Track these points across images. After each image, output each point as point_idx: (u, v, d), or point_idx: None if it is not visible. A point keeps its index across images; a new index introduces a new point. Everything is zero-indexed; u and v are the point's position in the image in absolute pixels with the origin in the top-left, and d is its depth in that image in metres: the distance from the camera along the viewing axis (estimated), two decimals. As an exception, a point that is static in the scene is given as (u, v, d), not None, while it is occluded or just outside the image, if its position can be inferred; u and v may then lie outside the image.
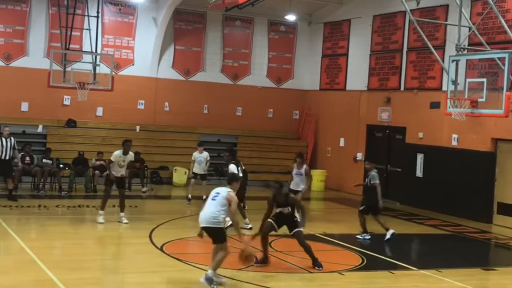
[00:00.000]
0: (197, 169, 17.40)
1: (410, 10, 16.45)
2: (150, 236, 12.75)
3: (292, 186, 14.73)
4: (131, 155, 14.11)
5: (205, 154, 17.57)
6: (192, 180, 17.50)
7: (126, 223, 13.85)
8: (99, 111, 21.42)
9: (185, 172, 20.99)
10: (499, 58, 14.63)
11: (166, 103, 22.32)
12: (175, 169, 21.08)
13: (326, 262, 10.93)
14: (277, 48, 23.94)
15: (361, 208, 13.75)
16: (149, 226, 13.62)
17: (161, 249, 11.72)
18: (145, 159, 19.80)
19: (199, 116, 22.72)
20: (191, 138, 21.89)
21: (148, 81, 22.00)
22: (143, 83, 21.90)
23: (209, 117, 22.86)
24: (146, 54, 21.87)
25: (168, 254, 11.33)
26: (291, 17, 23.01)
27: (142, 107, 21.98)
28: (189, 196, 17.16)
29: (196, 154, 17.52)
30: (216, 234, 9.46)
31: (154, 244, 12.08)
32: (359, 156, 21.20)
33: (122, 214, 14.02)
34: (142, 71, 21.85)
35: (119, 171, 13.87)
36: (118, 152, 13.82)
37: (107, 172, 14.14)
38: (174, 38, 22.44)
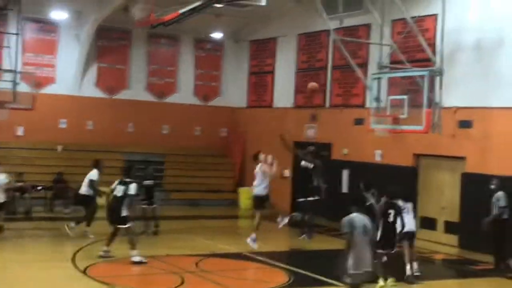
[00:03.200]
0: None
1: (334, 29, 16.73)
2: (73, 259, 12.35)
3: None
4: None
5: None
6: None
7: None
8: (20, 131, 20.74)
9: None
10: (419, 76, 15.02)
11: (90, 122, 21.83)
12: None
13: (253, 280, 10.81)
14: (204, 66, 23.87)
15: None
16: (72, 249, 13.23)
17: (84, 272, 11.37)
18: (68, 180, 19.23)
19: (124, 134, 22.33)
20: (116, 157, 21.45)
21: (70, 99, 21.47)
22: (66, 101, 21.35)
23: (135, 135, 22.49)
24: (69, 72, 21.36)
25: (91, 277, 10.99)
26: (217, 35, 23.00)
27: (64, 126, 21.41)
28: None
29: None
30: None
31: (77, 268, 11.71)
32: (287, 173, 21.26)
33: None
34: (64, 89, 21.33)
35: None
36: None
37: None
38: (97, 56, 22.02)
